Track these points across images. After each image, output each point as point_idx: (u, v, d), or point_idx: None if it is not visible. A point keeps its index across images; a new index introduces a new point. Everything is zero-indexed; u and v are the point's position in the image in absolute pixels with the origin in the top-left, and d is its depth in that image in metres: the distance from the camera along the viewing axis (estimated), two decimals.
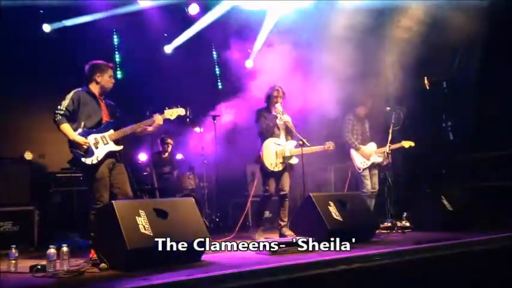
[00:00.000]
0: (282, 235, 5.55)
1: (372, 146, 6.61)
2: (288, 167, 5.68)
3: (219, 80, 9.57)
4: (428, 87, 7.80)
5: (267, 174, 5.64)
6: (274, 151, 5.60)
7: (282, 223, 5.65)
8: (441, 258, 4.13)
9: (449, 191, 6.12)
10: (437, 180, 7.42)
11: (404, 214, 6.44)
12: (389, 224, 5.98)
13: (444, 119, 7.77)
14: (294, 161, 5.67)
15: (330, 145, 5.78)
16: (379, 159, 6.60)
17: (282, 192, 5.66)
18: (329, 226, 4.64)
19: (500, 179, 6.79)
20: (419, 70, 7.46)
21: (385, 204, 6.75)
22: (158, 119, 4.69)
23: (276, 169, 5.58)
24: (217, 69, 9.56)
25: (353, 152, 6.57)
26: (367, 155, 6.54)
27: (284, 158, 5.60)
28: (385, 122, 6.72)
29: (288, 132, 5.76)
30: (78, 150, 4.34)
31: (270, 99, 5.77)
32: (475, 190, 6.69)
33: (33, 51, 6.95)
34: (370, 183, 6.51)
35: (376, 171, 6.65)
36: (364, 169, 6.52)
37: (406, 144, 6.59)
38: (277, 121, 5.69)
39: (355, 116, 6.67)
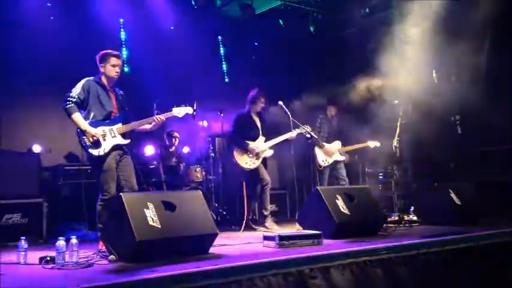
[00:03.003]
0: (265, 227, 5.89)
1: (336, 145, 6.76)
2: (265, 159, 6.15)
3: (225, 72, 9.56)
4: (436, 81, 7.75)
5: (247, 173, 6.07)
6: (245, 151, 6.03)
7: (266, 212, 6.05)
8: (449, 252, 4.12)
9: (458, 185, 6.09)
10: (445, 174, 7.39)
11: (412, 208, 6.43)
12: (397, 218, 5.96)
13: (452, 113, 7.72)
14: (269, 153, 6.13)
15: (303, 129, 6.03)
16: (341, 158, 6.77)
17: (264, 182, 6.06)
18: (337, 220, 4.64)
19: (509, 173, 6.74)
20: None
21: (393, 198, 6.74)
22: (161, 118, 4.70)
23: (253, 166, 6.00)
24: (224, 64, 9.57)
25: (316, 149, 6.70)
26: (330, 153, 6.69)
27: (257, 153, 6.02)
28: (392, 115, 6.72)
29: (265, 131, 6.20)
30: (87, 141, 4.35)
31: (254, 103, 6.14)
32: (483, 184, 6.65)
33: (38, 48, 6.97)
34: (330, 179, 6.76)
35: (341, 165, 6.83)
36: (324, 167, 6.67)
37: (372, 144, 6.64)
38: (257, 123, 6.16)
39: (324, 115, 6.87)
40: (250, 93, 6.24)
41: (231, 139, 6.22)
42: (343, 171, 6.82)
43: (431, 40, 7.15)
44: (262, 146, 6.09)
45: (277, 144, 6.17)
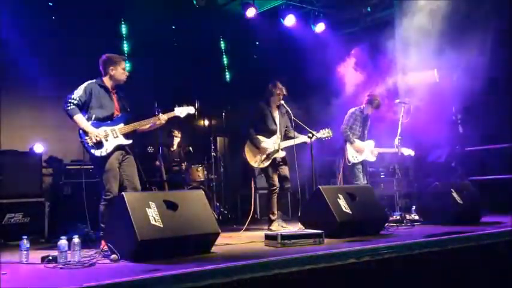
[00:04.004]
0: (269, 229, 5.61)
1: (369, 144, 6.62)
2: (277, 160, 5.77)
3: (226, 71, 9.56)
4: (437, 80, 7.75)
5: (261, 170, 5.81)
6: (256, 149, 5.75)
7: (273, 216, 5.75)
8: (451, 251, 4.11)
9: (459, 184, 6.09)
10: (447, 173, 7.38)
11: (414, 207, 6.42)
12: (399, 217, 5.96)
13: (454, 112, 7.71)
14: (281, 154, 5.79)
15: (322, 134, 5.75)
16: (372, 158, 6.60)
17: (272, 187, 5.75)
18: (338, 219, 4.63)
19: (510, 172, 6.74)
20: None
21: (394, 197, 6.74)
22: (171, 113, 4.74)
23: (262, 166, 5.72)
24: (225, 64, 9.57)
25: (347, 145, 6.56)
26: (361, 150, 6.53)
27: (268, 154, 5.70)
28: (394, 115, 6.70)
29: (289, 126, 5.86)
30: (89, 141, 4.36)
31: (272, 96, 5.83)
32: (485, 183, 6.65)
33: (39, 47, 6.97)
34: (363, 177, 6.56)
35: (365, 167, 6.65)
36: (355, 163, 6.51)
37: (406, 151, 6.54)
38: (276, 118, 5.82)
39: (360, 112, 6.68)
40: (267, 86, 5.91)
41: (245, 132, 5.83)
42: (361, 178, 6.59)
43: (434, 37, 7.14)
44: (275, 145, 5.75)
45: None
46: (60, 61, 7.03)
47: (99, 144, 4.38)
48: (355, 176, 6.52)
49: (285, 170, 5.84)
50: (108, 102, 4.56)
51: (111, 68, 4.57)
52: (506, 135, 6.97)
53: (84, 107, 4.45)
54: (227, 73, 9.60)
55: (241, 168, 8.02)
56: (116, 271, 3.25)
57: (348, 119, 6.64)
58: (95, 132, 4.36)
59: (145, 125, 4.69)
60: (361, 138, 6.65)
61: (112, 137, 4.46)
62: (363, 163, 6.57)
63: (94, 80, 4.58)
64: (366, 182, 6.57)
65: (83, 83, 4.54)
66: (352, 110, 6.71)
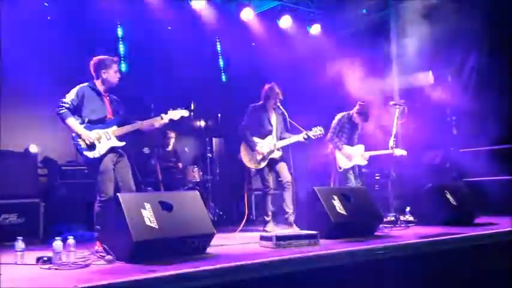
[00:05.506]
0: (265, 230, 5.60)
1: (358, 149, 6.60)
2: (274, 160, 5.74)
3: (222, 72, 9.55)
4: (432, 81, 7.79)
5: (257, 171, 5.82)
6: (252, 151, 5.72)
7: (267, 218, 5.73)
8: (444, 252, 4.14)
9: (453, 185, 6.12)
10: (441, 174, 7.41)
11: (408, 208, 6.44)
12: (393, 218, 5.98)
13: (448, 113, 7.75)
14: (276, 154, 5.75)
15: (316, 131, 5.73)
16: (363, 163, 6.59)
17: (266, 188, 5.75)
18: (333, 220, 4.66)
19: (504, 173, 6.78)
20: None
21: (389, 198, 6.76)
22: (165, 117, 4.74)
23: (259, 167, 5.70)
24: (221, 64, 9.56)
25: (336, 152, 6.52)
26: (350, 156, 6.51)
27: (264, 155, 5.69)
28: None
29: (283, 128, 5.86)
30: (82, 144, 4.36)
31: (268, 98, 5.80)
32: (479, 184, 6.68)
33: (36, 47, 6.95)
34: (355, 180, 6.55)
35: (356, 173, 6.65)
36: (345, 169, 6.48)
37: (398, 152, 6.54)
38: (271, 118, 5.80)
39: (348, 119, 6.62)
40: (264, 88, 5.89)
41: (240, 133, 5.82)
42: (353, 180, 6.57)
43: (429, 39, 7.18)
44: (271, 146, 5.74)
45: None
46: (56, 61, 7.01)
47: (91, 147, 4.39)
48: (347, 179, 6.53)
49: (282, 166, 5.81)
50: (100, 105, 4.56)
51: (103, 71, 4.56)
52: (501, 136, 7.01)
53: (76, 110, 4.46)
54: (223, 74, 9.59)
55: (237, 169, 8.03)
56: (110, 272, 3.25)
57: (334, 126, 6.57)
58: (88, 135, 4.37)
59: (140, 127, 4.68)
60: (350, 143, 6.61)
61: (105, 139, 4.46)
62: (354, 167, 6.58)
63: (86, 84, 4.58)
64: (359, 184, 6.58)
65: (79, 83, 4.54)
66: (339, 116, 6.64)
